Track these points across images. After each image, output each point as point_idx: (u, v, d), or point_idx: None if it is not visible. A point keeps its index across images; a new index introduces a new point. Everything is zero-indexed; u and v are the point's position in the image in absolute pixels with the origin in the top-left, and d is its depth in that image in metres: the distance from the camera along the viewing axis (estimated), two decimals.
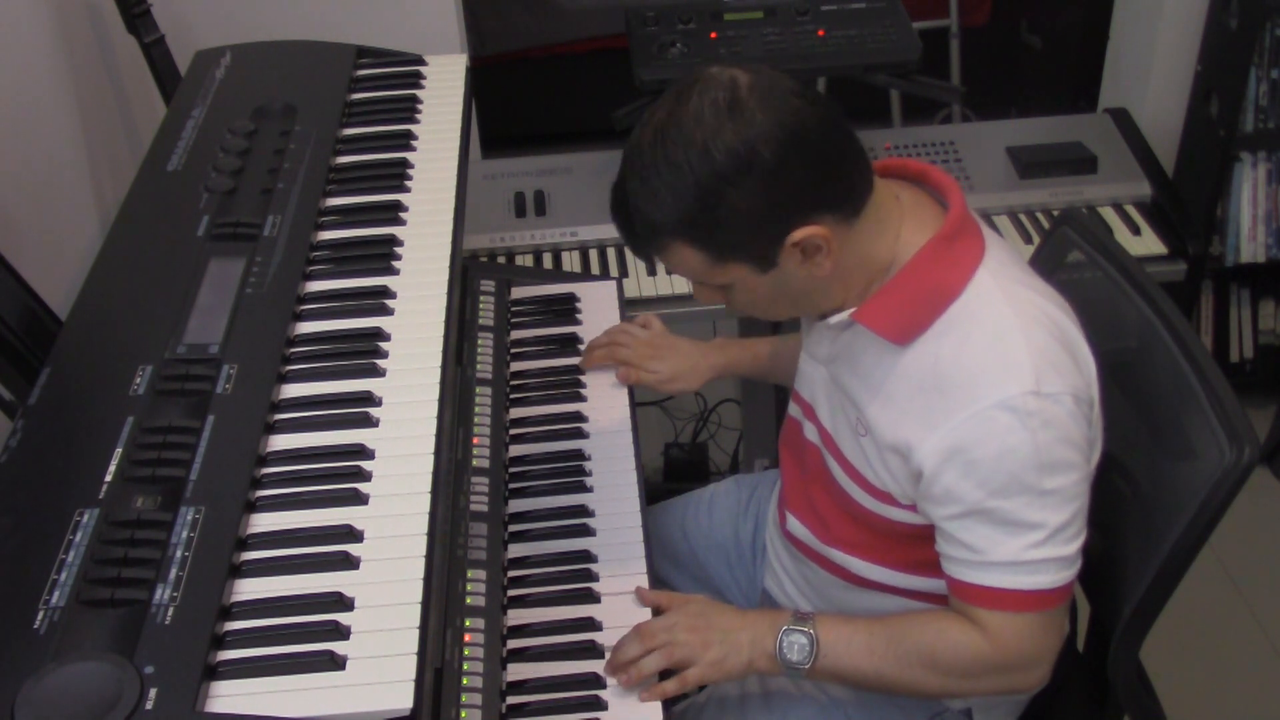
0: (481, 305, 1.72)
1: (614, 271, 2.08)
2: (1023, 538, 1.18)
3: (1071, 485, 1.18)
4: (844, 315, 1.25)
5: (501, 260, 2.11)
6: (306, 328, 1.35)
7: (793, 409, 1.45)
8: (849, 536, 1.37)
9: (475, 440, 1.51)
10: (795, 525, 1.46)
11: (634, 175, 1.17)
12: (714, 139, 1.12)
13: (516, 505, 1.48)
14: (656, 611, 1.36)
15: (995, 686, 1.27)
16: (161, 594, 1.04)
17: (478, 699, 1.23)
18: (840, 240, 1.18)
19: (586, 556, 1.42)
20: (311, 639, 1.04)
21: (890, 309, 1.22)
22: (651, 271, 2.08)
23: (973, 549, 1.20)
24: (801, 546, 1.45)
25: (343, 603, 1.07)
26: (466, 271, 1.76)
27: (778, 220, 1.15)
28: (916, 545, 1.30)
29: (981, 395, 1.16)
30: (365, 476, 1.18)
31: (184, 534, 1.09)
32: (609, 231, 2.14)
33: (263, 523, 1.14)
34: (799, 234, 1.15)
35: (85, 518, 1.09)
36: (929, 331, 1.20)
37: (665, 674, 1.28)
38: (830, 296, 1.26)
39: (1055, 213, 2.15)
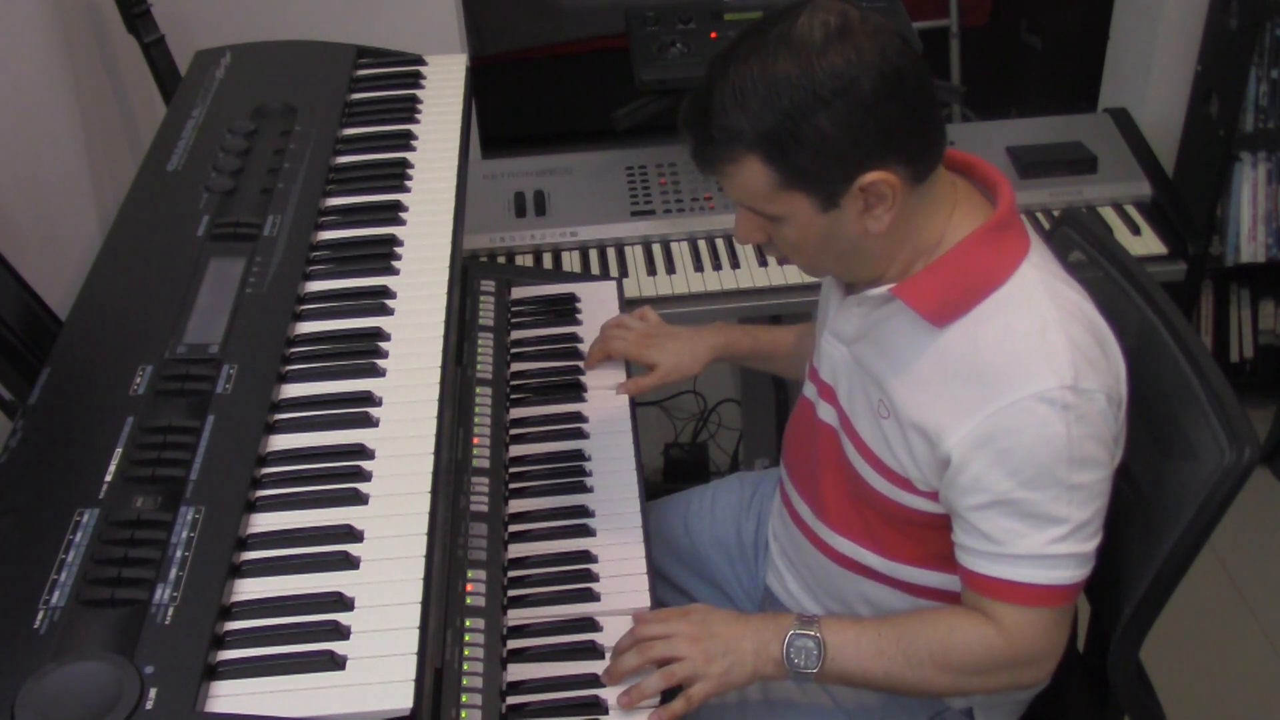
0: (481, 305, 1.72)
1: (614, 271, 2.08)
2: (1046, 531, 1.18)
3: (1097, 483, 1.19)
4: (883, 289, 1.24)
5: (501, 260, 2.11)
6: (306, 328, 1.35)
7: (807, 389, 1.45)
8: (853, 522, 1.37)
9: (475, 440, 1.51)
10: (799, 504, 1.46)
11: (724, 80, 1.15)
12: (820, 57, 1.11)
13: (516, 505, 1.48)
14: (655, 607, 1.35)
15: (1004, 683, 1.27)
16: (161, 594, 1.04)
17: (478, 699, 1.23)
18: (903, 200, 1.18)
19: (586, 556, 1.42)
20: (311, 639, 1.04)
21: (933, 288, 1.22)
22: (651, 271, 2.08)
23: (994, 540, 1.20)
24: (804, 528, 1.45)
25: (343, 603, 1.07)
26: (466, 271, 1.76)
27: (857, 154, 1.14)
28: (925, 536, 1.30)
29: (1020, 386, 1.16)
30: (365, 476, 1.18)
31: (184, 534, 1.09)
32: (609, 231, 2.14)
33: (263, 523, 1.14)
34: (870, 176, 1.14)
35: (85, 518, 1.09)
36: (967, 316, 1.20)
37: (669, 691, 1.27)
38: (873, 263, 1.25)
39: (1055, 213, 2.15)
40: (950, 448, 1.19)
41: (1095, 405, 1.17)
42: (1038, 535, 1.18)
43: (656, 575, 1.43)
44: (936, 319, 1.21)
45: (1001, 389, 1.16)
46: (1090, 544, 1.20)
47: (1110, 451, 1.21)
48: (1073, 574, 1.20)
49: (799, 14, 1.14)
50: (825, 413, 1.39)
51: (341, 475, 1.18)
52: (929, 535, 1.30)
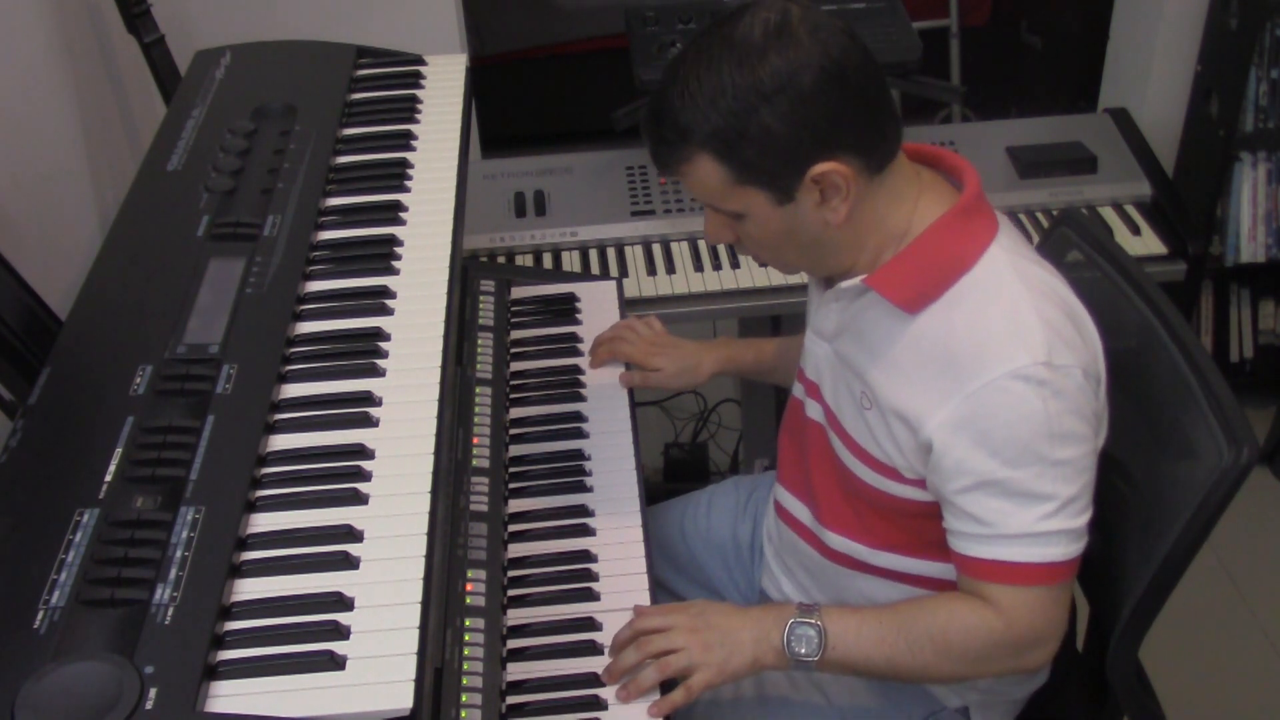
0: (481, 305, 1.72)
1: (614, 271, 2.08)
2: (1034, 509, 1.18)
3: (1081, 458, 1.19)
4: (856, 280, 1.26)
5: (501, 260, 2.11)
6: (306, 328, 1.35)
7: (796, 389, 1.46)
8: (847, 518, 1.37)
9: (475, 440, 1.51)
10: (794, 504, 1.46)
11: (674, 82, 1.18)
12: (759, 56, 1.14)
13: (516, 505, 1.48)
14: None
15: (1006, 667, 1.28)
16: (161, 594, 1.04)
17: (478, 699, 1.23)
18: (859, 190, 1.19)
19: (586, 556, 1.42)
20: (311, 639, 1.04)
21: (903, 275, 1.23)
22: (651, 271, 2.08)
23: (984, 522, 1.20)
24: (799, 528, 1.45)
25: (343, 603, 1.07)
26: (466, 271, 1.76)
27: (804, 147, 1.16)
28: (916, 525, 1.31)
29: (994, 365, 1.16)
30: (365, 476, 1.18)
31: (184, 534, 1.09)
32: (609, 231, 2.14)
33: (263, 523, 1.14)
34: (821, 168, 1.16)
35: (85, 518, 1.10)
36: (939, 301, 1.21)
37: (669, 683, 1.28)
38: (839, 255, 1.26)
39: (1055, 213, 2.15)
40: (931, 432, 1.20)
41: (1072, 380, 1.18)
42: (1026, 513, 1.18)
43: (654, 583, 1.43)
44: (909, 306, 1.22)
45: (976, 370, 1.17)
46: (1080, 519, 1.21)
47: (1092, 426, 1.21)
48: (1065, 550, 1.20)
49: (743, 14, 1.17)
50: (813, 410, 1.40)
51: (341, 475, 1.18)
52: (921, 525, 1.30)
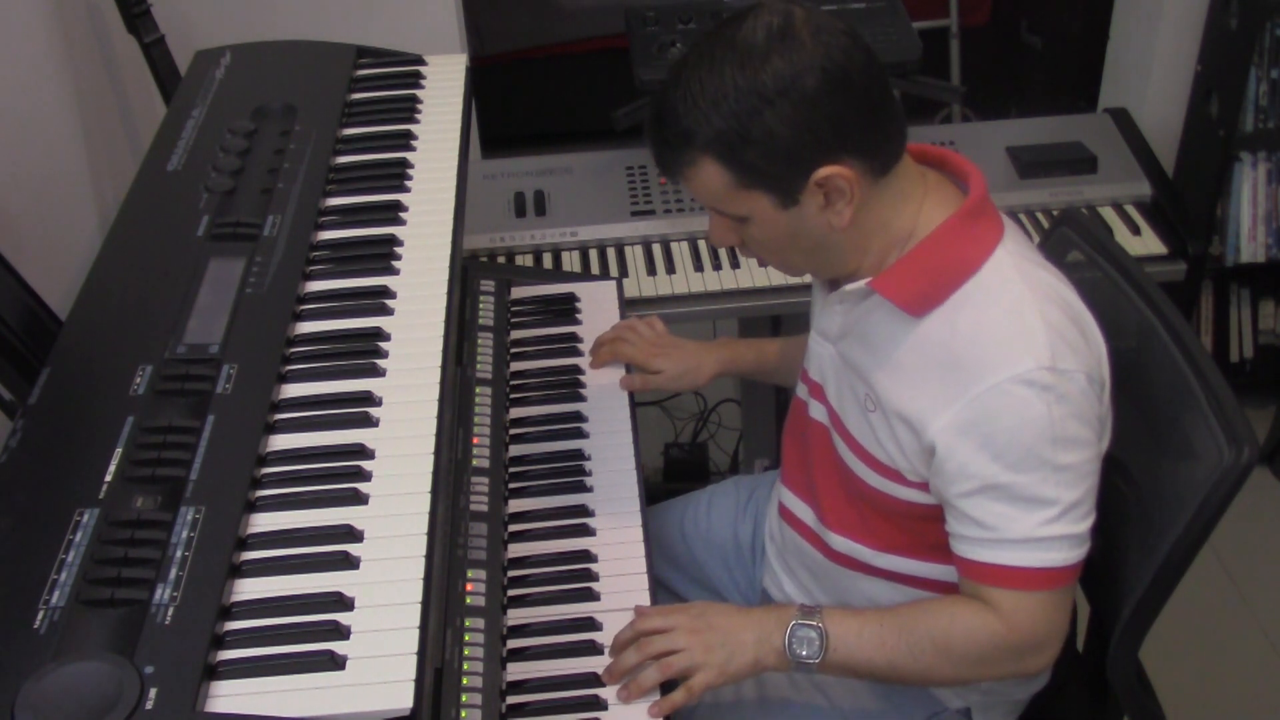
0: (481, 305, 1.72)
1: (614, 271, 2.08)
2: (1037, 514, 1.18)
3: (1084, 463, 1.19)
4: (861, 284, 1.26)
5: (501, 260, 2.11)
6: (306, 328, 1.35)
7: (800, 390, 1.46)
8: (850, 520, 1.37)
9: (475, 440, 1.51)
10: (797, 505, 1.46)
11: (676, 85, 1.18)
12: (762, 58, 1.13)
13: (516, 505, 1.48)
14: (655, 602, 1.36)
15: (1006, 670, 1.28)
16: (161, 594, 1.04)
17: (478, 699, 1.23)
18: (864, 193, 1.19)
19: (586, 556, 1.42)
20: (311, 639, 1.04)
21: (908, 279, 1.23)
22: (651, 271, 2.08)
23: (986, 526, 1.20)
24: (802, 529, 1.45)
25: (343, 603, 1.07)
26: (466, 271, 1.76)
27: (807, 150, 1.15)
28: (919, 528, 1.31)
29: (998, 369, 1.16)
30: (365, 476, 1.18)
31: (184, 534, 1.09)
32: (609, 231, 2.14)
33: (263, 523, 1.14)
34: (825, 171, 1.16)
35: (85, 518, 1.10)
36: (944, 305, 1.21)
37: (670, 683, 1.28)
38: (844, 258, 1.26)
39: (1055, 213, 2.15)
40: (934, 435, 1.20)
41: (1075, 385, 1.17)
42: (1028, 518, 1.18)
43: (654, 583, 1.43)
44: (914, 309, 1.22)
45: (980, 374, 1.17)
46: (1083, 525, 1.21)
47: (1095, 431, 1.21)
48: (1067, 555, 1.20)
49: (745, 17, 1.17)
50: (816, 411, 1.40)
51: (341, 475, 1.19)
52: (924, 527, 1.30)
